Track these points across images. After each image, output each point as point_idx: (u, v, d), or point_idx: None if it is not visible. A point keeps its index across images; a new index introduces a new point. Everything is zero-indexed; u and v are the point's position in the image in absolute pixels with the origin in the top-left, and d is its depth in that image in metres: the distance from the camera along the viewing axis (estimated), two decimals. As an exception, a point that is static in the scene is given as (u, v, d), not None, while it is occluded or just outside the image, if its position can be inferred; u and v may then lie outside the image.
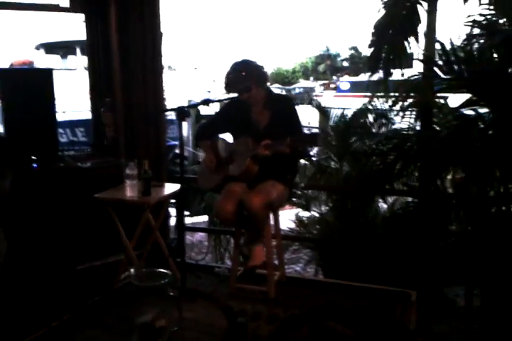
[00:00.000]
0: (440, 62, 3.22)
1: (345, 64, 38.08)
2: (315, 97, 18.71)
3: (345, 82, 20.92)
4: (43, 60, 10.82)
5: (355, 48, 37.59)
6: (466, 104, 3.18)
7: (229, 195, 2.64)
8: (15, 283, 2.79)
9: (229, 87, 2.71)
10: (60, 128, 3.54)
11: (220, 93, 2.63)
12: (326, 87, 27.11)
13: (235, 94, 2.67)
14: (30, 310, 2.71)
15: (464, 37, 3.22)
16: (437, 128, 3.47)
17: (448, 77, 3.18)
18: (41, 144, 3.24)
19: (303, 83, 30.68)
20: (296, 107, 2.83)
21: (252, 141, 2.61)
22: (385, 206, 3.90)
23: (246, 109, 2.77)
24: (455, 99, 3.40)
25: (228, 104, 2.85)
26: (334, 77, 31.85)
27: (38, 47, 10.97)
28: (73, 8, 3.45)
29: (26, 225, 3.01)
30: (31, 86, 3.18)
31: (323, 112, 4.07)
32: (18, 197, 2.71)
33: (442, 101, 3.56)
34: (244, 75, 2.64)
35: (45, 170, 3.20)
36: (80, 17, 3.51)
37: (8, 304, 2.60)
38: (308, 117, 5.51)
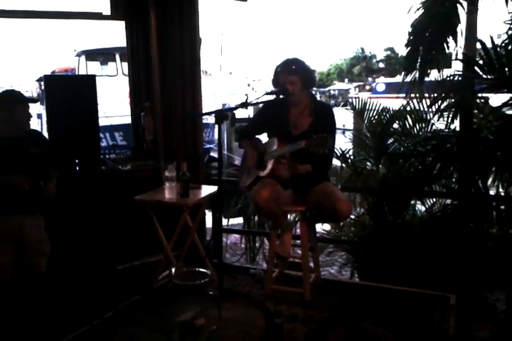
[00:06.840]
0: (481, 62, 3.16)
1: (381, 65, 37.62)
2: (350, 99, 18.57)
3: (380, 83, 20.68)
4: (83, 67, 11.17)
5: (391, 49, 37.10)
6: (508, 104, 3.10)
7: (265, 183, 2.64)
8: (58, 282, 2.89)
9: (275, 82, 2.69)
10: (100, 133, 3.65)
11: (257, 96, 2.64)
12: (361, 88, 26.87)
13: (273, 96, 2.66)
14: (73, 307, 2.80)
15: (505, 36, 3.15)
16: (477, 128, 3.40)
17: (489, 76, 3.11)
18: (84, 148, 3.35)
19: (338, 85, 30.48)
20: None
21: (279, 143, 2.61)
22: (422, 208, 3.83)
23: (285, 110, 2.75)
24: (495, 99, 3.32)
25: (268, 105, 2.83)
26: (369, 79, 31.53)
27: (79, 54, 11.32)
28: (115, 15, 3.57)
29: (70, 226, 3.13)
30: (75, 92, 3.29)
31: (359, 113, 4.01)
32: (62, 199, 2.81)
33: (482, 101, 3.47)
34: (293, 69, 2.61)
35: (87, 173, 3.33)
36: (120, 24, 3.62)
37: (52, 302, 2.70)
38: (342, 119, 5.46)
